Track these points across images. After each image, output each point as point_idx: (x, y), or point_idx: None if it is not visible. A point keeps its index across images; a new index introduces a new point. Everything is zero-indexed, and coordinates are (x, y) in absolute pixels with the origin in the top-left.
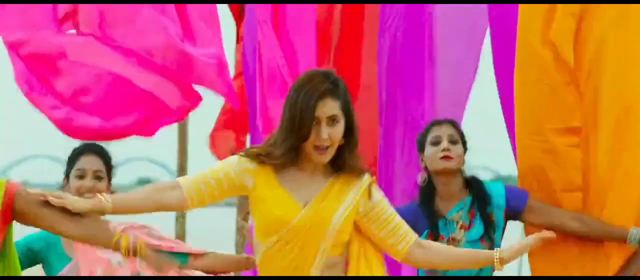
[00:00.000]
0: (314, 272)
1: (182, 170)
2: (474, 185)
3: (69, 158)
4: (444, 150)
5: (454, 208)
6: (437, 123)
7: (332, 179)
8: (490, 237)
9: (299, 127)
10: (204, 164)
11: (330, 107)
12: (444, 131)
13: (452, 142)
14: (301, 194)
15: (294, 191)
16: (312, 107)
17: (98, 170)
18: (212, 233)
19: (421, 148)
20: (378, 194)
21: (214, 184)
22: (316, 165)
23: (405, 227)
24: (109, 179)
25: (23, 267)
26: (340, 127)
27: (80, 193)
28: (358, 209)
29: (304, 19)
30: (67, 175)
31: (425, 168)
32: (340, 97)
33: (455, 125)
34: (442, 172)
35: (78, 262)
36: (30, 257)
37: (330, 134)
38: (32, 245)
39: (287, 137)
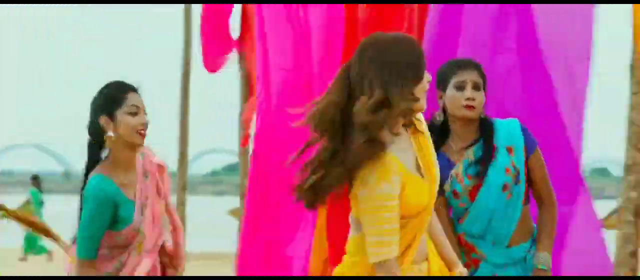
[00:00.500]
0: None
1: (182, 163)
2: (486, 126)
3: (111, 97)
4: (468, 99)
5: (469, 149)
6: (462, 65)
7: (411, 137)
8: (514, 167)
9: (421, 69)
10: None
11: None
12: (469, 76)
13: (476, 88)
14: (413, 164)
15: (409, 165)
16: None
17: (144, 107)
18: (211, 219)
19: (442, 86)
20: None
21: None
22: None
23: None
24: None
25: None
26: None
27: (137, 130)
28: None
29: (330, 18)
30: (109, 115)
31: (443, 107)
32: None
33: (479, 69)
34: (461, 118)
35: (144, 203)
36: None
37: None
38: (112, 208)
39: (406, 83)
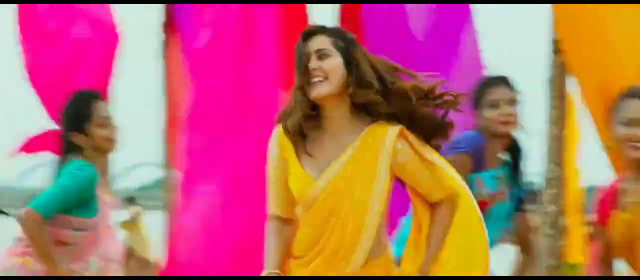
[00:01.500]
0: (360, 247)
1: None
2: (515, 146)
3: (81, 110)
4: (505, 114)
5: (500, 168)
6: (493, 82)
7: (362, 136)
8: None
9: (298, 70)
10: None
11: (318, 41)
12: (502, 93)
13: (512, 103)
14: (318, 162)
15: (311, 160)
16: (303, 45)
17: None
18: None
19: (476, 105)
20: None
21: (285, 187)
22: (340, 121)
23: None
24: None
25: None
26: (332, 61)
27: (109, 141)
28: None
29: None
30: (82, 131)
31: (481, 126)
32: (330, 34)
33: (509, 84)
34: (500, 135)
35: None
36: (79, 200)
37: (320, 65)
38: (84, 195)
39: (296, 90)
